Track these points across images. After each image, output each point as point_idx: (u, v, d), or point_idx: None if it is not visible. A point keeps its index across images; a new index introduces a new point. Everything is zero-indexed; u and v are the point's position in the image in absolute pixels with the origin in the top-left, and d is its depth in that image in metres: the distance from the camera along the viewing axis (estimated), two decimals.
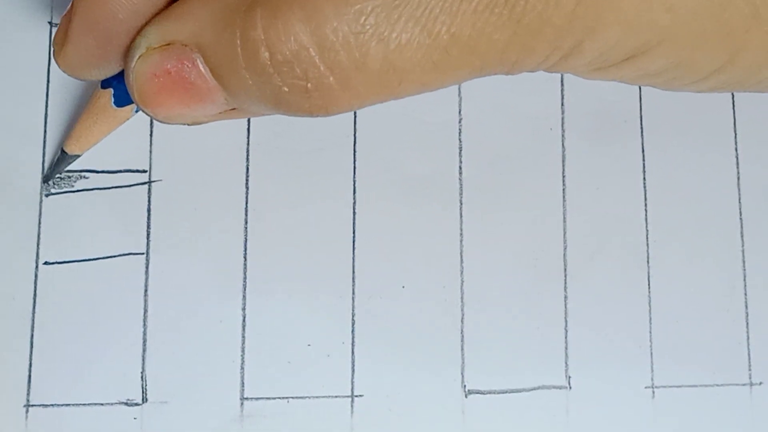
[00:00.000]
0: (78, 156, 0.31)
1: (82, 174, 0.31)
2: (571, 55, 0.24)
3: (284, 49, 0.22)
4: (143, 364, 0.30)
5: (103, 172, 0.31)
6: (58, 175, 0.31)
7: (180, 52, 0.24)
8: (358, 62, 0.22)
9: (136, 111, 0.29)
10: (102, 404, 0.30)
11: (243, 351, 0.31)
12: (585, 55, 0.24)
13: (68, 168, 0.31)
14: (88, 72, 0.26)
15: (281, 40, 0.22)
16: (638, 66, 0.24)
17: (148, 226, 0.31)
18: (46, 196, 0.31)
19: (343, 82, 0.23)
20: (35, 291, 0.31)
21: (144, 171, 0.31)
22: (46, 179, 0.31)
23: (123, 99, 0.28)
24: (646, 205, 0.32)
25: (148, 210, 0.31)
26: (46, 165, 0.31)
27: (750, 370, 0.31)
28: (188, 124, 0.26)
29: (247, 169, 0.32)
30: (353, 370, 0.31)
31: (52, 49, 0.26)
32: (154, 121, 0.32)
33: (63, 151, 0.31)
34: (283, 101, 0.23)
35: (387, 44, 0.22)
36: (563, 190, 0.32)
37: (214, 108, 0.25)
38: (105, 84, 0.28)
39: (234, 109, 0.25)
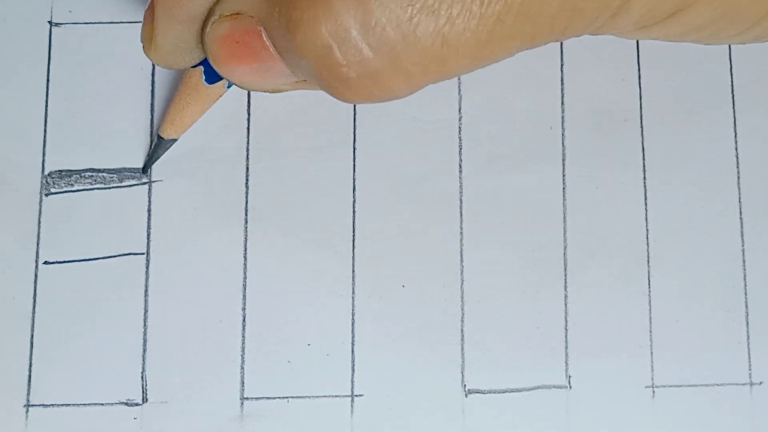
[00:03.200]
0: (175, 140, 0.31)
1: (83, 173, 0.31)
2: (619, 14, 0.23)
3: (323, 31, 0.22)
4: (143, 364, 0.30)
5: (103, 171, 0.31)
6: (58, 173, 0.31)
7: (246, 23, 0.23)
8: (408, 38, 0.21)
9: (228, 87, 0.29)
10: (102, 404, 0.30)
11: (243, 351, 0.31)
12: (632, 13, 0.23)
13: (68, 168, 0.31)
14: (180, 58, 0.26)
15: (319, 21, 0.21)
16: (685, 20, 0.24)
17: (149, 226, 0.31)
18: (46, 195, 0.31)
19: (393, 62, 0.22)
20: (35, 291, 0.31)
21: (144, 170, 0.31)
22: (144, 169, 0.31)
23: (213, 74, 0.28)
24: (646, 204, 0.32)
25: (149, 210, 0.31)
26: (147, 153, 0.31)
27: (750, 370, 0.31)
28: (269, 92, 0.25)
29: (247, 168, 0.32)
30: (353, 370, 0.31)
31: (141, 46, 0.26)
32: (155, 121, 0.32)
33: (159, 137, 0.31)
34: (325, 86, 0.23)
35: (437, 17, 0.21)
36: (563, 189, 0.32)
37: (283, 78, 0.24)
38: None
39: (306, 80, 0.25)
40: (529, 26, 0.22)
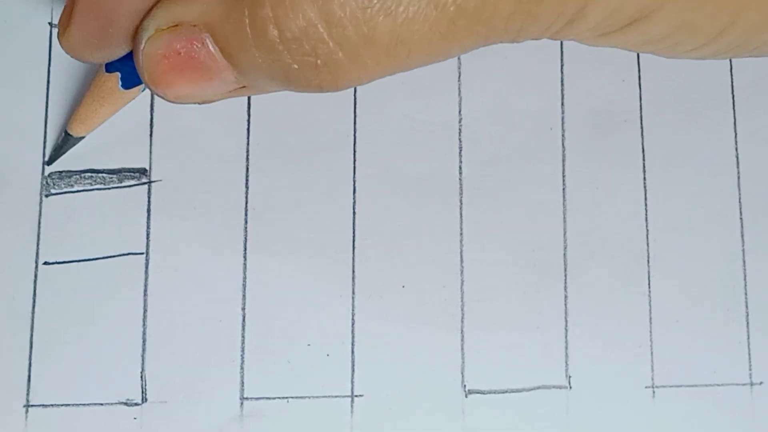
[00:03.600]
0: (82, 138, 0.31)
1: (82, 174, 0.31)
2: (575, 21, 0.24)
3: (293, 26, 0.22)
4: (143, 364, 0.30)
5: (103, 171, 0.31)
6: (58, 174, 0.31)
7: (189, 33, 0.24)
8: (367, 37, 0.23)
9: (143, 90, 0.29)
10: (102, 404, 0.30)
11: (243, 351, 0.31)
12: (588, 21, 0.24)
13: (68, 168, 0.31)
14: (90, 54, 0.26)
15: (289, 18, 0.22)
16: (641, 30, 0.25)
17: (148, 226, 0.31)
18: (46, 196, 0.31)
19: (352, 57, 0.23)
20: (35, 291, 0.31)
21: (144, 171, 0.31)
22: (49, 162, 0.31)
23: (131, 81, 0.28)
24: (646, 204, 0.32)
25: (148, 210, 0.31)
26: (49, 147, 0.31)
27: (750, 370, 0.31)
28: (198, 103, 0.26)
29: (247, 169, 0.32)
30: (353, 370, 0.31)
31: (56, 31, 0.26)
32: (155, 121, 0.32)
33: (67, 134, 0.31)
34: (293, 77, 0.24)
35: (394, 18, 0.23)
36: (563, 189, 0.32)
37: (223, 86, 0.25)
38: (110, 68, 0.28)
39: (244, 87, 0.25)
40: (483, 28, 0.23)
